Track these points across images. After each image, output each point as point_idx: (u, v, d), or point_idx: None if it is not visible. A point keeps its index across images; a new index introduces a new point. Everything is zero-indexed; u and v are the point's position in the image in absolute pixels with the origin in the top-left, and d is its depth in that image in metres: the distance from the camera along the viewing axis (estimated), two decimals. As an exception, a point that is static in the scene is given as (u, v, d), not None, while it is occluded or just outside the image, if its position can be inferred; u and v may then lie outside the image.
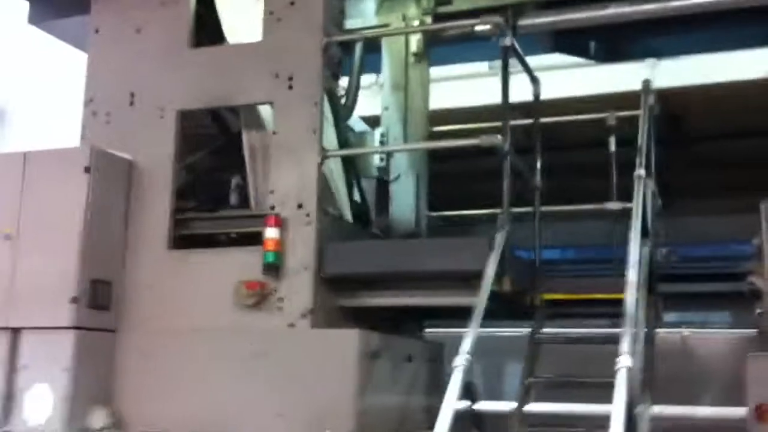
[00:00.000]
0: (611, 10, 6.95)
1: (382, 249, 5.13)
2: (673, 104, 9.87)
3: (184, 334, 5.17)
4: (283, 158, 5.18)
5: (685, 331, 7.80)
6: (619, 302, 5.52)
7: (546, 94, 7.09)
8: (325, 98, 6.33)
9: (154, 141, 5.45)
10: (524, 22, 6.90)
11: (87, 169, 5.13)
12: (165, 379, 5.14)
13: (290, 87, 5.21)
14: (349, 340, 4.82)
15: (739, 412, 5.23)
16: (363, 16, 6.82)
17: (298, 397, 4.84)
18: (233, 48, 5.53)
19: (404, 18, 6.71)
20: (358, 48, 6.78)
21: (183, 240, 5.44)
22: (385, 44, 6.91)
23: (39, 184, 5.21)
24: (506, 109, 5.07)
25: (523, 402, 5.18)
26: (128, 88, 5.57)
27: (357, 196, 6.40)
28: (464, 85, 8.66)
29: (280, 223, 5.03)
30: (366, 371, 4.85)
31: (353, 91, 6.74)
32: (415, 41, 6.85)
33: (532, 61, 6.05)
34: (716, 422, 6.17)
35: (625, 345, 4.01)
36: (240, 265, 5.10)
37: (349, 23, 6.54)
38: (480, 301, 4.51)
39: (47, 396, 5.01)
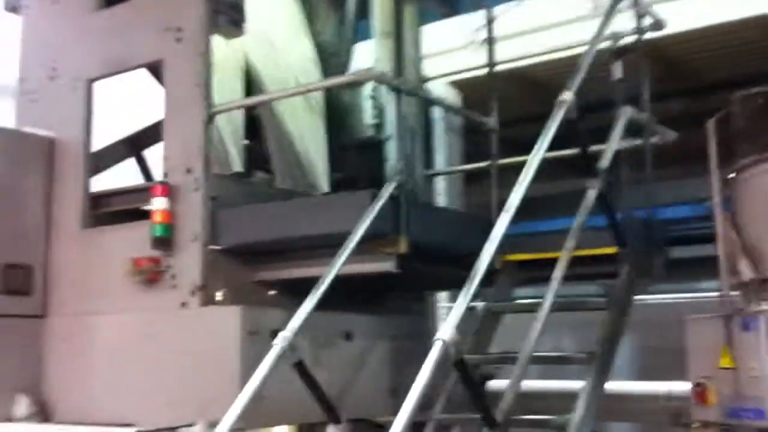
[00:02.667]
0: None
1: (262, 214, 4.48)
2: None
3: (91, 317, 4.85)
4: (172, 120, 4.69)
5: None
6: (600, 259, 4.65)
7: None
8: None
9: (70, 115, 5.14)
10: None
11: (-13, 150, 4.95)
12: (78, 366, 4.85)
13: (178, 40, 4.70)
14: (229, 318, 4.28)
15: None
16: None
17: (187, 382, 4.38)
18: (130, 5, 5.07)
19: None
20: (352, -5, 6.14)
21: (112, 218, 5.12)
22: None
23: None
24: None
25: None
26: (50, 62, 5.31)
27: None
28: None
29: (167, 191, 4.56)
30: (257, 352, 4.27)
31: (346, 44, 6.10)
32: (404, -19, 6.07)
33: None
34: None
35: (451, 315, 3.18)
36: (137, 240, 4.69)
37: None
38: (331, 268, 3.82)
39: (-33, 385, 4.90)
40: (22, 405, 4.88)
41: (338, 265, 3.83)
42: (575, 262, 4.56)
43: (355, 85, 5.19)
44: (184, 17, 4.70)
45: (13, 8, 6.01)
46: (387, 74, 4.16)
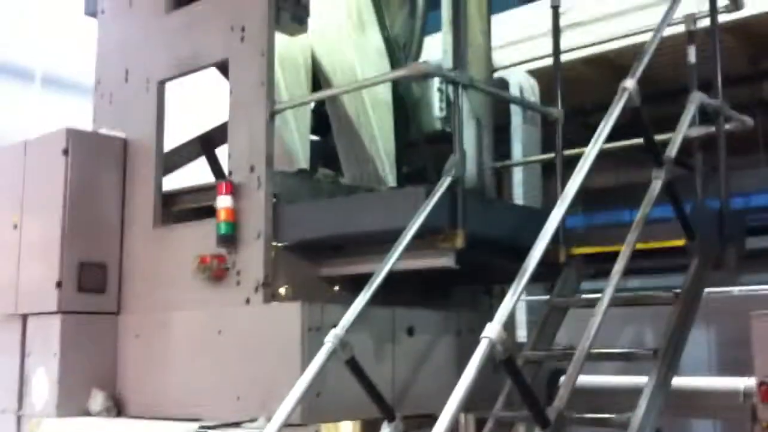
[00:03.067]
0: None
1: (324, 210, 4.49)
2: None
3: (161, 313, 4.95)
4: (236, 118, 4.74)
5: None
6: (674, 251, 4.48)
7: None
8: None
9: (142, 116, 5.26)
10: None
11: (65, 152, 5.08)
12: (149, 361, 4.97)
13: (242, 39, 4.74)
14: (291, 314, 4.29)
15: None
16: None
17: (251, 378, 4.42)
18: (198, 6, 5.13)
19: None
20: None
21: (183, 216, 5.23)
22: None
23: (34, 172, 5.26)
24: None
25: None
26: (123, 64, 5.44)
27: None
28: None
29: (231, 189, 4.61)
30: (318, 348, 4.27)
31: (416, 37, 6.04)
32: (471, -33, 5.96)
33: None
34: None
35: (499, 312, 3.10)
36: (204, 238, 4.75)
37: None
38: (384, 264, 3.78)
39: (45, 380, 5.06)
40: (98, 399, 5.02)
41: (391, 261, 3.79)
42: (647, 254, 4.43)
43: (420, 78, 5.13)
44: (248, 16, 4.74)
45: (93, 13, 6.19)
46: (441, 67, 4.09)
